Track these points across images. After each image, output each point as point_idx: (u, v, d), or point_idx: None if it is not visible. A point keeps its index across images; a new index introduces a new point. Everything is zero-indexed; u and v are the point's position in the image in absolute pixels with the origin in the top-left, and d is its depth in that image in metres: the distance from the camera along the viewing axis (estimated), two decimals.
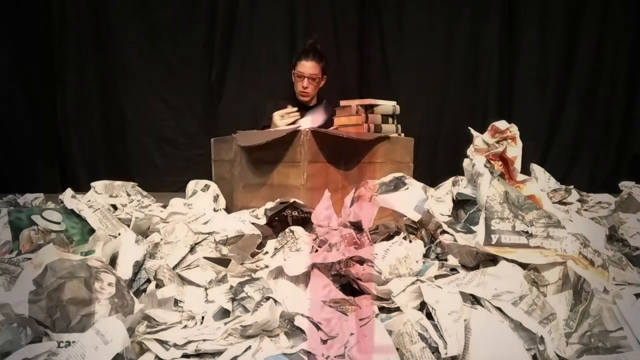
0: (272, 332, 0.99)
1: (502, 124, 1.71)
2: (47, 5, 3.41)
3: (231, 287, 1.14)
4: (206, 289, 1.19)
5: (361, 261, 1.21)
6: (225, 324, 1.02)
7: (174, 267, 1.27)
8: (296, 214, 1.63)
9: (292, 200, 1.64)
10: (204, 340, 0.96)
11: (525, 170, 1.93)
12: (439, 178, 1.79)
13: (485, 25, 3.68)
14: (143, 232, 1.52)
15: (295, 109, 2.42)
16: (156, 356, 0.93)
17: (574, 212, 1.76)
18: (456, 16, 3.68)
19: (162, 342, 0.95)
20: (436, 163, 3.62)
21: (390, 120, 2.15)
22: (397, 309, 1.06)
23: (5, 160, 3.24)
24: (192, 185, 1.97)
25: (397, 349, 0.91)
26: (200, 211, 1.58)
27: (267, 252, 1.47)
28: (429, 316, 0.98)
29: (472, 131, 1.72)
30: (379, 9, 3.68)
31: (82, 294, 0.95)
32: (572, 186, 2.11)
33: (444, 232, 1.37)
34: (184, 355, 0.93)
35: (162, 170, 3.57)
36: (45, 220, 1.42)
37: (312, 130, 1.83)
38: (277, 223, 1.63)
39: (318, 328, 0.98)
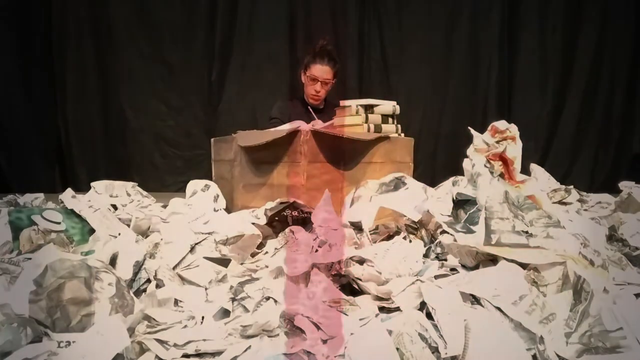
0: (272, 332, 0.99)
1: (502, 124, 1.72)
2: (47, 6, 3.41)
3: (231, 287, 1.14)
4: (206, 289, 1.19)
5: (361, 261, 1.21)
6: (225, 324, 1.02)
7: (174, 267, 1.27)
8: (296, 214, 1.63)
9: (292, 200, 1.63)
10: (204, 340, 0.96)
11: (525, 170, 1.93)
12: (439, 178, 1.79)
13: (485, 25, 3.69)
14: (143, 232, 1.52)
15: None
16: (156, 356, 0.93)
17: (574, 212, 1.76)
18: (456, 16, 3.68)
19: (162, 342, 0.95)
20: (436, 163, 3.62)
21: (390, 120, 2.15)
22: (397, 309, 1.06)
23: (5, 160, 3.24)
24: (192, 185, 1.96)
25: (397, 349, 0.91)
26: (200, 211, 1.58)
27: (267, 252, 1.47)
28: (429, 316, 0.98)
29: (472, 131, 1.72)
30: (379, 9, 3.68)
31: (82, 294, 0.95)
32: (572, 186, 2.11)
33: (444, 232, 1.37)
34: (184, 355, 0.93)
35: (162, 170, 3.57)
36: (46, 220, 1.42)
37: (312, 130, 1.83)
38: (277, 223, 1.63)
39: (318, 328, 0.98)
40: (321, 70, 2.61)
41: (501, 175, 1.47)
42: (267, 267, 1.33)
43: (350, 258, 1.22)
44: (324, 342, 0.95)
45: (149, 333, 0.97)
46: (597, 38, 3.70)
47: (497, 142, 1.68)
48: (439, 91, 3.71)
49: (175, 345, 0.94)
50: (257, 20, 3.57)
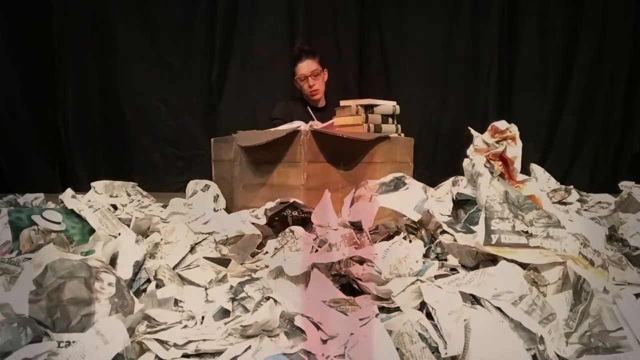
0: (272, 332, 0.99)
1: (502, 124, 1.71)
2: (47, 6, 3.41)
3: (231, 287, 1.14)
4: (206, 289, 1.19)
5: (361, 261, 1.21)
6: (225, 324, 1.02)
7: (174, 267, 1.27)
8: (296, 214, 1.63)
9: (292, 200, 1.64)
10: (204, 340, 0.96)
11: (525, 170, 1.93)
12: (439, 178, 1.79)
13: (485, 25, 3.69)
14: (143, 232, 1.52)
15: None
16: (156, 356, 0.93)
17: (574, 212, 1.76)
18: (456, 16, 3.68)
19: (162, 342, 0.95)
20: (436, 163, 3.62)
21: (390, 120, 2.15)
22: (397, 309, 1.06)
23: (5, 160, 3.24)
24: (192, 185, 1.97)
25: (397, 349, 0.91)
26: (200, 211, 1.58)
27: (267, 252, 1.47)
28: (429, 316, 0.98)
29: (472, 131, 1.72)
30: (379, 9, 3.68)
31: (82, 294, 0.95)
32: (572, 186, 2.11)
33: (444, 232, 1.37)
34: (184, 355, 0.93)
35: (162, 170, 3.57)
36: (45, 220, 1.42)
37: (312, 130, 1.83)
38: (277, 223, 1.63)
39: (318, 328, 0.98)
40: (304, 67, 2.70)
41: (501, 175, 1.47)
42: (267, 267, 1.33)
43: (350, 258, 1.22)
44: (324, 342, 0.95)
45: (149, 333, 0.97)
46: (597, 38, 3.69)
47: (497, 142, 1.68)
48: (439, 91, 3.71)
49: (175, 345, 0.94)
50: (257, 21, 3.57)
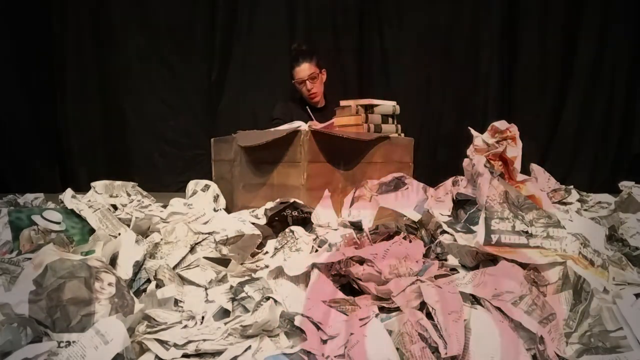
0: (272, 332, 0.99)
1: (502, 124, 1.72)
2: (47, 6, 3.41)
3: (231, 287, 1.14)
4: (206, 289, 1.19)
5: (361, 261, 1.21)
6: (225, 324, 1.02)
7: (174, 267, 1.27)
8: (296, 214, 1.63)
9: (292, 200, 1.64)
10: (204, 340, 0.96)
11: (525, 170, 1.93)
12: (439, 178, 1.79)
13: (485, 25, 3.68)
14: (143, 232, 1.52)
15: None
16: (156, 356, 0.93)
17: (574, 212, 1.76)
18: (456, 16, 3.68)
19: (162, 342, 0.95)
20: (436, 163, 3.62)
21: (390, 120, 2.15)
22: (397, 309, 1.06)
23: (5, 160, 3.24)
24: (192, 185, 1.97)
25: (397, 349, 0.91)
26: (200, 211, 1.58)
27: (267, 252, 1.47)
28: (429, 316, 0.98)
29: (472, 131, 1.72)
30: (379, 8, 3.68)
31: (82, 294, 0.95)
32: (572, 186, 2.10)
33: (444, 232, 1.37)
34: (184, 355, 0.94)
35: (162, 170, 3.57)
36: (45, 220, 1.42)
37: (312, 130, 1.83)
38: (277, 223, 1.63)
39: (318, 328, 0.98)
40: (301, 71, 2.70)
41: (501, 175, 1.47)
42: (267, 267, 1.33)
43: (350, 258, 1.22)
44: (324, 342, 0.95)
45: (149, 333, 0.97)
46: (597, 38, 3.69)
47: (497, 142, 1.68)
48: (439, 91, 3.71)
49: (175, 345, 0.94)
50: (257, 20, 3.57)
